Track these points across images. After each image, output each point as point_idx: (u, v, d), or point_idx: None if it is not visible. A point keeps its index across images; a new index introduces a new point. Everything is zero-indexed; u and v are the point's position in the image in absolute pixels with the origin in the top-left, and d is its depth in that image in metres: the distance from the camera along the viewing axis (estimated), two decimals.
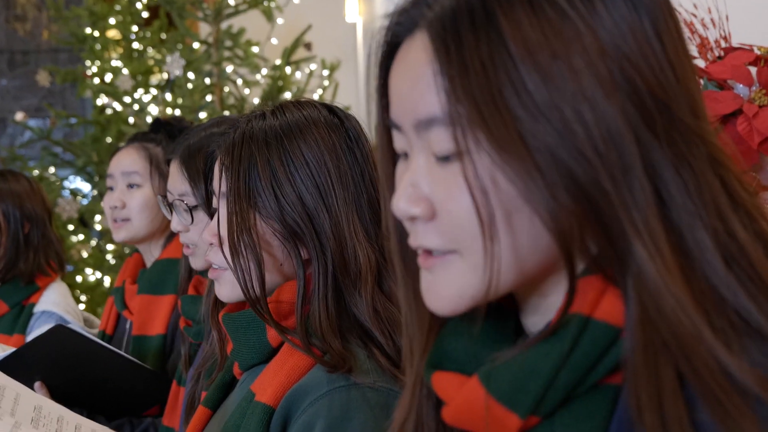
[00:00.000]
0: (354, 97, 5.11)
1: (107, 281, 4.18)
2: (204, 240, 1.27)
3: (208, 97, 4.13)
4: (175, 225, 1.65)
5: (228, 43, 4.26)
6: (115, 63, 4.21)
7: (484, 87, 0.65)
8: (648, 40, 0.66)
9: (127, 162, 2.06)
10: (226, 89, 4.32)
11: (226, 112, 4.15)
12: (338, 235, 1.18)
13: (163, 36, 4.43)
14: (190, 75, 4.05)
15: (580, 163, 0.63)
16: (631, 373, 0.64)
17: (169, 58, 3.89)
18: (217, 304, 1.33)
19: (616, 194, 0.64)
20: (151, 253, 2.09)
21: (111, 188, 2.10)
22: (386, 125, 0.76)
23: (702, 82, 1.72)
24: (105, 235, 4.23)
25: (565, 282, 0.67)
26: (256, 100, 4.37)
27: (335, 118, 1.25)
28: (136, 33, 4.36)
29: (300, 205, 1.18)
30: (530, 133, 0.64)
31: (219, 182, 1.23)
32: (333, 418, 1.08)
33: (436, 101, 0.67)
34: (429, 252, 0.71)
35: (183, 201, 1.63)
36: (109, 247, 4.24)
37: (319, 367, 1.13)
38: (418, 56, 0.69)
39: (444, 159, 0.68)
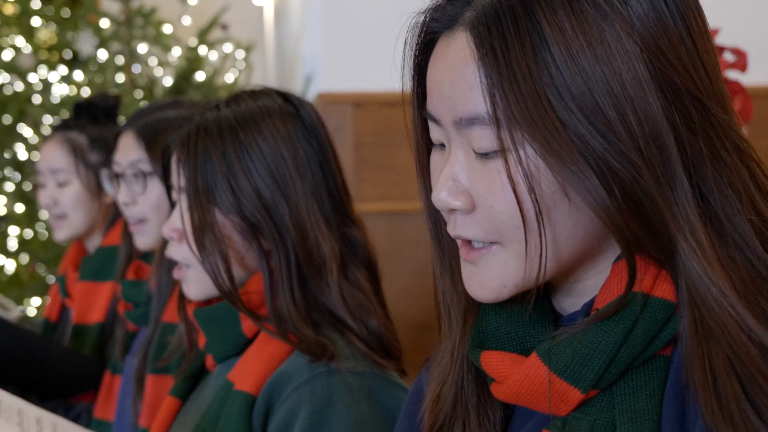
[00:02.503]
0: (262, 80, 5.06)
1: (11, 265, 4.02)
2: (164, 235, 1.25)
3: (120, 78, 4.01)
4: (123, 197, 1.61)
5: (139, 21, 4.14)
6: (17, 40, 4.03)
7: (531, 90, 0.67)
8: (682, 39, 0.69)
9: (52, 159, 2.00)
10: (137, 70, 4.20)
11: (139, 92, 4.05)
12: (299, 226, 1.18)
13: (67, 13, 4.26)
14: (101, 54, 3.92)
15: (624, 164, 0.66)
16: (684, 352, 0.68)
17: (81, 36, 3.75)
18: (184, 298, 1.31)
19: (658, 192, 0.67)
20: (93, 243, 2.04)
21: (42, 185, 2.04)
22: (422, 116, 0.79)
23: None
24: (10, 219, 4.07)
25: (599, 267, 0.73)
26: (168, 81, 4.27)
27: (290, 106, 1.24)
28: (36, 10, 4.18)
29: (257, 198, 1.17)
30: (576, 135, 0.66)
31: (177, 176, 1.21)
32: (316, 404, 1.09)
33: (479, 101, 0.69)
34: (468, 242, 0.74)
35: (136, 168, 1.59)
36: (13, 230, 4.08)
37: (298, 354, 1.13)
38: (458, 54, 0.71)
39: (484, 155, 0.71)
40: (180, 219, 1.21)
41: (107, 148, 1.98)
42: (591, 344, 0.69)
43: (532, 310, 0.77)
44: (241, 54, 4.35)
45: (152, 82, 4.23)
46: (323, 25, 3.56)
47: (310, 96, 3.77)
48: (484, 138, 0.70)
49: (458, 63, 0.71)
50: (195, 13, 4.46)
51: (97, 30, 4.01)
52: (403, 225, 3.23)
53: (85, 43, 3.77)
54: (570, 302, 0.78)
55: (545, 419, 0.75)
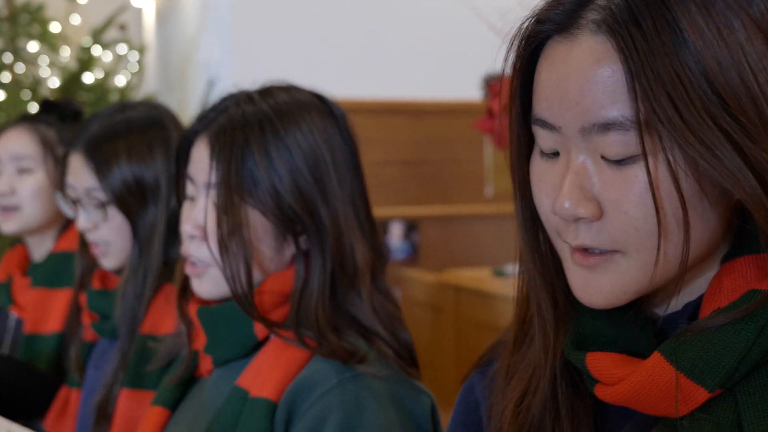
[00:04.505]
0: (154, 84, 4.90)
1: None
2: (185, 232, 1.18)
3: (5, 77, 3.79)
4: (83, 223, 1.51)
5: (25, 18, 3.93)
6: None
7: (679, 89, 0.66)
8: None
9: (18, 145, 1.84)
10: (20, 69, 3.99)
11: (27, 93, 3.83)
12: (336, 229, 1.14)
13: None
14: None
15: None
16: None
17: None
18: (185, 296, 1.24)
19: None
20: (44, 245, 1.89)
21: None
22: (524, 124, 0.77)
23: None
24: None
25: (707, 267, 0.75)
26: (55, 83, 4.07)
27: (322, 102, 1.20)
28: None
29: (298, 196, 1.13)
30: (726, 133, 0.66)
31: (209, 171, 1.14)
32: (346, 410, 1.05)
33: (618, 106, 0.68)
34: (585, 249, 0.73)
35: (93, 197, 1.49)
36: None
37: (320, 359, 1.09)
38: (587, 58, 0.69)
39: (617, 162, 0.70)
40: (204, 217, 1.15)
41: None
42: (722, 343, 0.69)
43: (619, 311, 0.76)
44: (134, 56, 4.20)
45: (37, 83, 4.02)
46: (233, 28, 3.48)
47: None
48: (620, 144, 0.69)
49: (589, 67, 0.69)
50: (84, 12, 4.27)
51: None
52: None
53: None
54: (673, 303, 0.77)
55: (649, 421, 0.74)
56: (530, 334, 0.83)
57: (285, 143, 1.13)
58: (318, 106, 1.19)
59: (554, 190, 0.73)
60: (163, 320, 1.46)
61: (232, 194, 1.12)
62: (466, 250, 3.55)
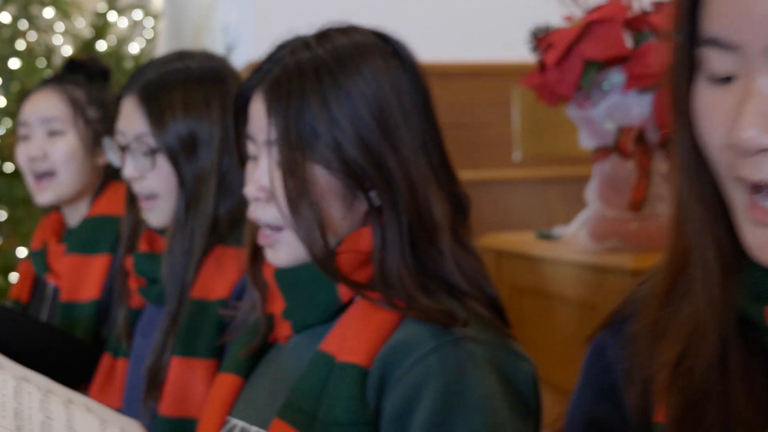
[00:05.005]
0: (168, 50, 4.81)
1: None
2: (248, 195, 1.10)
3: (21, 45, 3.71)
4: (130, 171, 1.44)
5: None
6: None
7: None
8: None
9: (45, 106, 1.77)
10: (32, 38, 3.91)
11: (42, 61, 3.76)
12: (409, 182, 1.05)
13: None
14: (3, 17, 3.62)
15: None
16: None
17: None
18: (257, 260, 1.17)
19: None
20: (79, 211, 1.82)
21: (25, 137, 1.80)
22: (689, 43, 0.69)
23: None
24: None
25: None
26: (68, 51, 3.99)
27: (386, 44, 1.11)
28: None
29: (364, 149, 1.04)
30: None
31: (268, 128, 1.06)
32: (447, 377, 0.98)
33: None
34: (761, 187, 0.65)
35: (143, 142, 1.43)
36: None
37: (414, 321, 1.02)
38: None
39: None
40: (268, 177, 1.07)
41: (105, 108, 1.79)
42: None
43: None
44: (149, 22, 4.11)
45: (51, 51, 3.95)
46: None
47: (237, 66, 3.60)
48: None
49: None
50: None
51: None
52: None
53: None
54: None
55: None
56: (680, 288, 0.75)
57: (345, 91, 1.05)
58: (381, 47, 1.10)
59: (728, 120, 0.65)
60: (214, 284, 1.40)
61: (293, 151, 1.04)
62: (494, 215, 3.48)
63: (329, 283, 1.07)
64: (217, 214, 1.43)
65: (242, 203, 1.29)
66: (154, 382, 1.42)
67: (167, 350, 1.41)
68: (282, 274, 1.11)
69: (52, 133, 1.76)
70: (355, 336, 1.03)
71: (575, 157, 2.69)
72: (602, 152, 1.81)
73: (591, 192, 1.85)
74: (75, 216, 1.83)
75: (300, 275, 1.09)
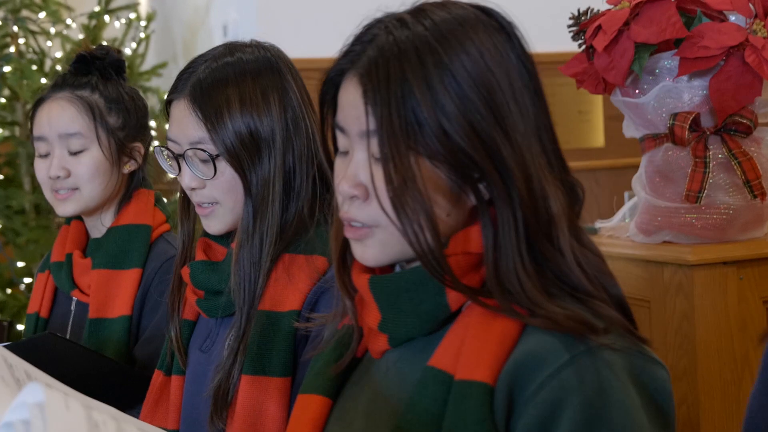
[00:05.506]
0: (163, 51, 4.70)
1: None
2: (343, 193, 0.99)
3: (11, 49, 3.60)
4: (189, 181, 1.32)
5: None
6: None
7: None
8: None
9: (63, 121, 1.65)
10: (21, 40, 3.78)
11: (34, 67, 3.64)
12: (524, 171, 0.93)
13: None
14: None
15: None
16: None
17: None
18: (345, 266, 1.05)
19: None
20: (102, 223, 1.70)
21: (44, 155, 1.68)
22: None
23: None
24: None
25: None
26: (58, 53, 3.87)
27: (490, 18, 0.99)
28: None
29: (472, 135, 0.92)
30: None
31: (364, 117, 0.94)
32: (588, 392, 0.87)
33: None
34: None
35: (200, 150, 1.31)
36: None
37: (537, 330, 0.91)
38: None
39: None
40: (365, 172, 0.97)
41: (125, 109, 1.68)
42: None
43: None
44: (140, 23, 4.00)
45: (43, 54, 3.83)
46: None
47: None
48: None
49: None
50: None
51: None
52: None
53: None
54: None
55: None
56: None
57: (450, 72, 0.93)
58: (485, 21, 0.97)
59: None
60: (285, 295, 1.29)
61: (397, 141, 0.92)
62: None
63: (435, 289, 0.96)
64: (283, 219, 1.33)
65: (311, 205, 1.21)
66: (224, 402, 1.31)
67: (236, 368, 1.30)
68: (377, 282, 0.99)
69: (74, 152, 1.64)
70: (473, 349, 0.92)
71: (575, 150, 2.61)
72: (651, 141, 1.72)
73: (638, 183, 1.76)
74: (99, 226, 1.71)
75: (399, 282, 0.98)
